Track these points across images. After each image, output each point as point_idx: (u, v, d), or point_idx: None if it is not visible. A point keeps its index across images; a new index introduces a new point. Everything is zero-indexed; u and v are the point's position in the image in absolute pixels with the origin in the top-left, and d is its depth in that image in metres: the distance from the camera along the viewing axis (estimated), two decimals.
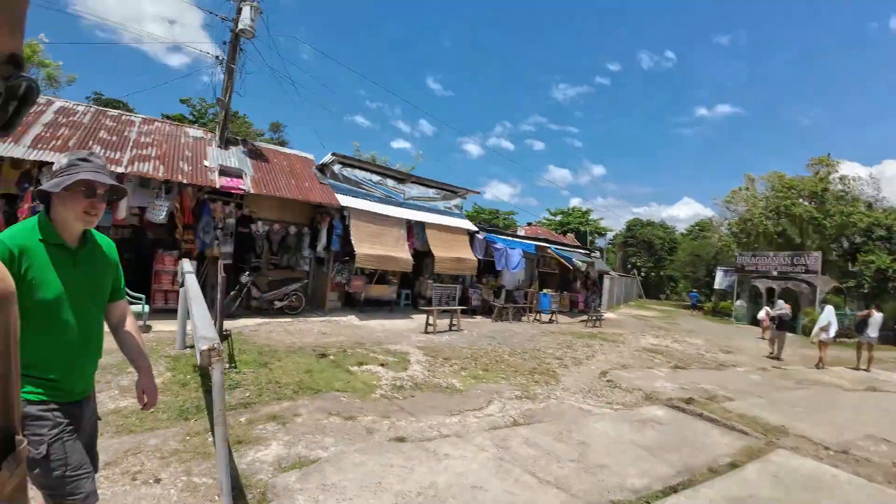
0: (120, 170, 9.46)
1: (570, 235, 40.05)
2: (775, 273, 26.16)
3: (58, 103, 11.05)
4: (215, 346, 2.88)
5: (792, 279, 25.58)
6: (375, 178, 13.83)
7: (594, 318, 16.56)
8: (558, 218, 49.41)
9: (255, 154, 12.84)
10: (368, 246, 11.84)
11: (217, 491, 3.13)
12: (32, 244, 1.74)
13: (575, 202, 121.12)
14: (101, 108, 12.34)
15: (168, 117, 33.11)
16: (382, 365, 7.33)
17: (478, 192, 16.88)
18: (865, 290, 25.32)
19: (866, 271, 24.91)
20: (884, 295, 25.33)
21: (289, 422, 4.66)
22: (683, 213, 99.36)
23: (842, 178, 29.99)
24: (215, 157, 11.70)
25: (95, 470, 1.99)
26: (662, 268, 45.66)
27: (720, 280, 30.06)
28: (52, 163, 8.74)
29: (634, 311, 27.55)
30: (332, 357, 7.60)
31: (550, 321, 15.78)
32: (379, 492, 3.26)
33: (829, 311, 12.65)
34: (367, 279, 13.04)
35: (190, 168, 10.82)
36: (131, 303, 8.46)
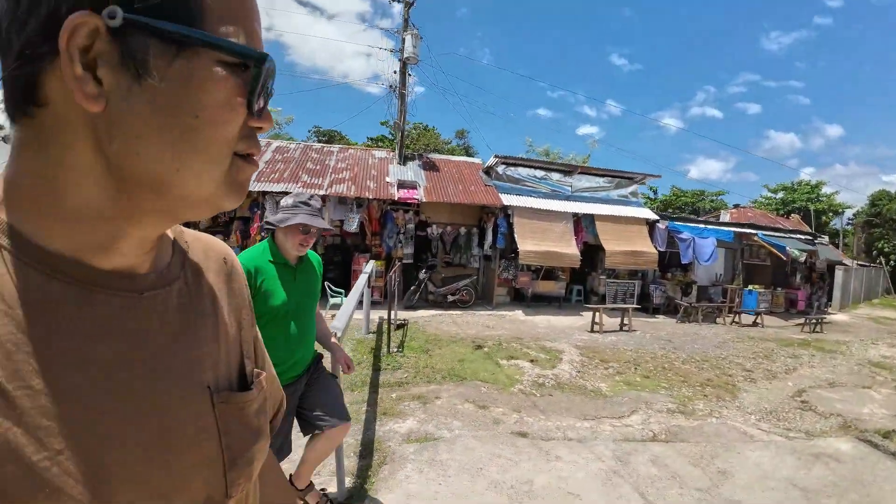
0: (322, 192, 11.68)
1: (795, 217, 33.58)
2: None
3: (275, 144, 14.38)
4: (337, 335, 3.54)
5: None
6: (539, 173, 13.83)
7: (814, 321, 13.73)
8: (779, 195, 41.48)
9: (429, 166, 14.24)
10: (532, 242, 11.98)
11: (356, 449, 3.85)
12: (264, 264, 2.33)
13: (806, 173, 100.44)
14: (308, 143, 15.44)
15: (372, 139, 38.09)
16: (532, 361, 7.44)
17: (657, 176, 15.34)
18: None
19: None
20: None
21: (429, 402, 5.21)
22: None
23: None
24: (395, 172, 13.50)
25: (339, 416, 2.61)
26: None
27: None
28: (273, 192, 11.71)
29: (878, 312, 21.83)
30: (486, 349, 8.01)
31: (755, 324, 13.61)
32: (476, 477, 3.47)
33: None
34: (534, 275, 13.19)
35: (375, 185, 12.73)
36: (334, 295, 10.42)
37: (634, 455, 4.14)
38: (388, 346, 7.68)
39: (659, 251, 13.69)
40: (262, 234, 9.53)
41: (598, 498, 3.41)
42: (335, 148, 14.95)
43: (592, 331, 10.55)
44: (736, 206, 31.61)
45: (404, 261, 12.69)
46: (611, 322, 11.37)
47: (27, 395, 0.39)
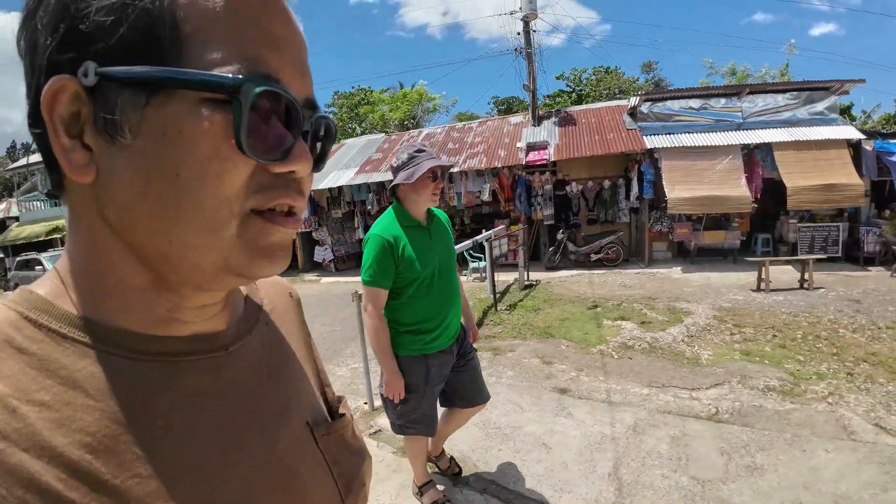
0: (456, 169, 12.44)
1: None
2: None
3: (425, 131, 15.77)
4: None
5: None
6: (696, 103, 11.72)
7: None
8: None
9: (565, 121, 13.45)
10: (684, 188, 10.38)
11: None
12: (399, 232, 2.22)
13: None
14: (451, 125, 16.50)
15: (547, 96, 37.17)
16: (643, 322, 6.75)
17: (860, 81, 11.39)
18: None
19: None
20: None
21: (500, 354, 5.43)
22: None
23: None
24: (527, 136, 13.26)
25: (481, 399, 2.67)
26: None
27: None
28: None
29: None
30: (599, 309, 7.58)
31: None
32: (480, 415, 3.43)
33: None
34: (696, 225, 11.47)
35: (505, 153, 12.83)
36: (474, 258, 10.95)
37: (658, 429, 3.57)
38: (496, 306, 7.86)
39: (872, 181, 10.56)
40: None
41: (569, 457, 3.16)
42: (474, 123, 15.50)
43: (759, 289, 8.86)
44: None
45: (545, 222, 12.45)
46: (789, 278, 9.38)
47: (137, 483, 0.37)
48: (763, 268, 8.81)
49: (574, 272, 11.21)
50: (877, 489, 2.88)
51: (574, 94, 36.82)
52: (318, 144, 0.47)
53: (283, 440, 0.50)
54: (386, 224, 2.26)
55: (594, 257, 11.63)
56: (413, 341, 2.31)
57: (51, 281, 0.43)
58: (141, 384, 0.41)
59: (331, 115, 0.51)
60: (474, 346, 2.72)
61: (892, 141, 10.84)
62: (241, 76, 0.36)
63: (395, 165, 2.28)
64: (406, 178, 2.18)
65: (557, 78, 41.65)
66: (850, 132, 10.97)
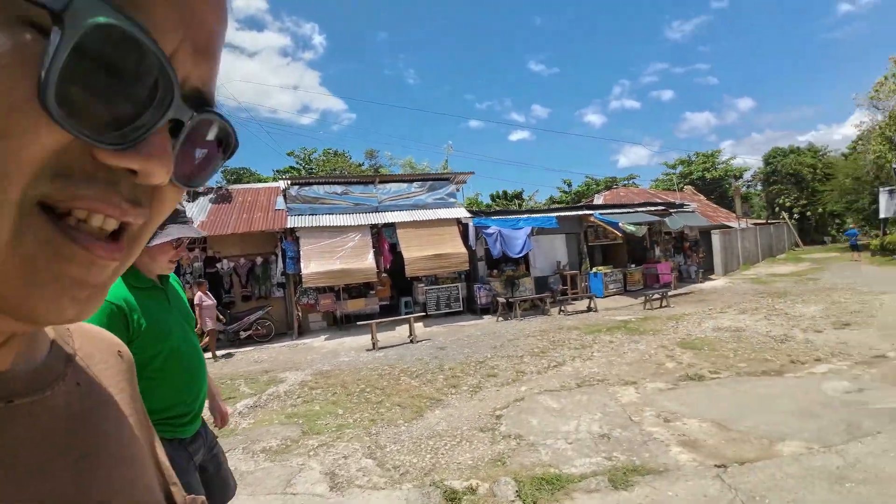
0: None
1: (689, 188, 34.18)
2: None
3: None
4: None
5: None
6: (339, 188, 13.12)
7: (656, 296, 13.39)
8: (678, 169, 42.59)
9: (222, 198, 13.40)
10: (318, 263, 11.19)
11: None
12: (129, 294, 1.76)
13: (725, 146, 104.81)
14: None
15: (279, 171, 37.47)
16: (228, 398, 6.75)
17: (470, 174, 14.67)
18: None
19: None
20: None
21: None
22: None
23: None
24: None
25: (232, 490, 2.12)
26: (819, 204, 35.40)
27: (885, 205, 22.49)
28: None
29: (773, 269, 22.08)
30: None
31: (588, 309, 13.18)
32: None
33: None
34: (344, 294, 12.43)
35: None
36: None
37: None
38: None
39: (472, 249, 13.15)
40: None
41: None
42: None
43: (373, 347, 9.81)
44: (610, 187, 31.85)
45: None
46: (404, 335, 10.70)
47: None
48: (372, 329, 9.83)
49: (220, 353, 10.69)
50: None
51: (302, 171, 38.08)
52: (200, 152, 0.34)
53: None
54: (113, 288, 1.45)
55: (244, 334, 11.37)
56: (166, 429, 1.81)
57: None
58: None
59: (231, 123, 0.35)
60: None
61: (486, 218, 13.75)
62: None
63: None
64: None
65: (288, 154, 42.71)
66: (461, 212, 13.54)
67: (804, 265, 22.90)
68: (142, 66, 0.26)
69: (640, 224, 15.23)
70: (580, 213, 15.85)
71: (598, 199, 25.04)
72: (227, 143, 0.35)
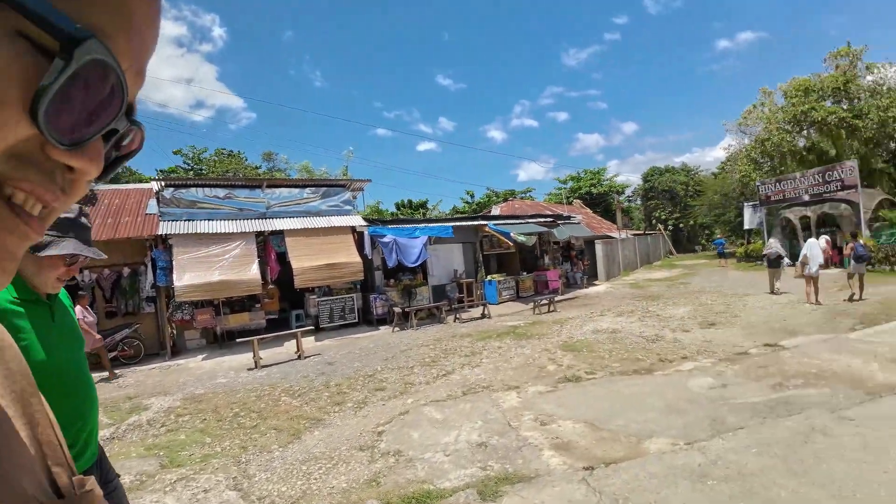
0: None
1: (578, 202, 36.61)
2: (807, 197, 21.78)
3: None
4: None
5: (827, 201, 21.14)
6: (221, 192, 12.19)
7: (544, 302, 14.05)
8: (569, 185, 45.64)
9: (85, 200, 11.73)
10: (195, 275, 10.22)
11: None
12: (6, 306, 1.53)
13: (611, 165, 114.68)
14: None
15: (163, 171, 34.28)
16: None
17: (367, 181, 14.39)
18: None
19: None
20: None
21: None
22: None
23: (868, 67, 24.61)
24: None
25: None
26: (691, 217, 40.35)
27: (749, 218, 25.73)
28: None
29: (650, 274, 24.13)
30: None
31: (483, 316, 13.41)
32: None
33: (809, 243, 11.99)
34: (217, 310, 11.48)
35: None
36: None
37: None
38: None
39: (368, 258, 12.85)
40: None
41: None
42: None
43: (256, 366, 9.12)
44: (506, 199, 33.41)
45: None
46: (291, 350, 10.09)
47: None
48: (254, 345, 9.14)
49: None
50: None
51: (191, 172, 35.26)
52: (115, 153, 0.40)
53: None
54: None
55: (108, 356, 10.05)
56: None
57: None
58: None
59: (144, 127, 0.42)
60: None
61: (382, 227, 13.52)
62: (91, 32, 0.29)
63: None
64: (37, 245, 1.52)
65: (175, 153, 39.19)
66: (356, 220, 13.16)
67: (677, 271, 25.36)
68: (108, 88, 0.32)
69: (529, 234, 15.88)
70: (475, 223, 16.19)
71: (496, 211, 25.90)
72: (135, 147, 0.40)
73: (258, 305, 11.98)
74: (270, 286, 12.45)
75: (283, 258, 11.88)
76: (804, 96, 24.64)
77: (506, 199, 35.70)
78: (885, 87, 24.01)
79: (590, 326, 10.80)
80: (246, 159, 42.37)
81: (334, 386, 7.50)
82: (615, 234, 27.32)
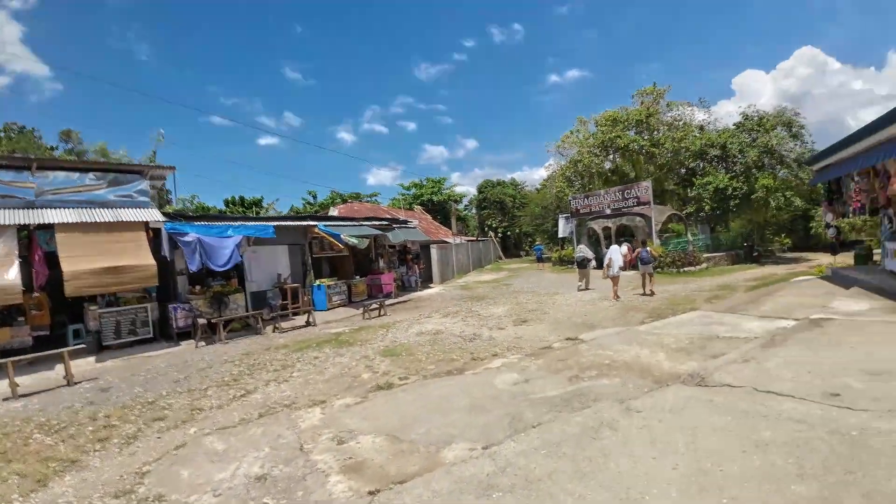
0: None
1: (419, 208, 37.37)
2: (609, 211, 25.01)
3: None
4: None
5: (626, 214, 24.54)
6: None
7: (374, 306, 13.67)
8: (412, 191, 46.66)
9: None
10: None
11: None
12: None
13: (455, 175, 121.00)
14: None
15: None
16: None
17: (171, 168, 12.27)
18: (706, 213, 24.85)
19: (704, 193, 24.29)
20: (726, 214, 25.12)
21: None
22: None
23: (669, 105, 29.53)
24: None
25: None
26: (517, 225, 44.41)
27: (563, 228, 28.79)
28: None
29: (476, 278, 25.36)
30: None
31: (307, 324, 12.49)
32: None
33: (612, 249, 13.82)
34: None
35: None
36: None
37: None
38: None
39: (170, 260, 11.12)
40: None
41: None
42: None
43: (13, 396, 7.12)
44: (345, 201, 32.93)
45: None
46: (60, 375, 8.13)
47: None
48: (8, 370, 7.12)
49: None
50: None
51: None
52: None
53: None
54: None
55: None
56: None
57: None
58: None
59: None
60: None
61: (188, 223, 11.76)
62: None
63: None
64: None
65: None
66: (153, 215, 11.22)
67: (503, 273, 27.20)
68: None
69: (362, 237, 15.41)
70: (304, 223, 15.16)
71: (334, 212, 24.96)
72: None
73: (21, 319, 9.48)
74: (36, 294, 10.06)
75: (54, 259, 9.59)
76: (612, 126, 28.46)
77: (344, 202, 34.79)
78: (681, 122, 28.94)
79: (415, 329, 10.70)
80: (41, 137, 35.25)
81: (102, 417, 6.09)
82: (450, 240, 28.29)
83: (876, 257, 14.99)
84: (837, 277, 12.53)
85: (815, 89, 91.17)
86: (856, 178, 11.80)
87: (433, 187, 45.65)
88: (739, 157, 23.87)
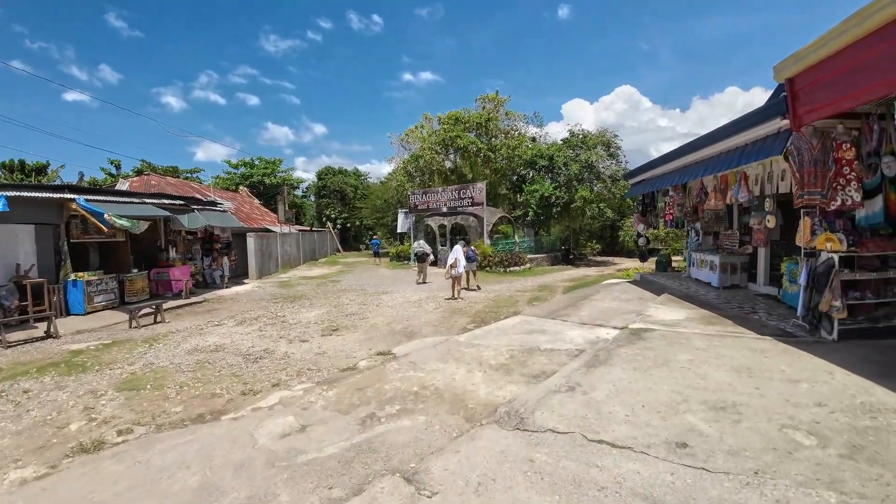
0: None
1: (244, 189, 33.33)
2: (445, 209, 24.67)
3: None
4: None
5: (460, 213, 24.43)
6: None
7: (149, 310, 10.84)
8: (240, 170, 41.74)
9: None
10: None
11: None
12: None
13: (299, 161, 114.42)
14: None
15: None
16: None
17: None
18: (531, 217, 25.93)
19: (531, 199, 25.33)
20: (549, 220, 26.62)
21: None
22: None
23: (507, 114, 30.49)
24: None
25: None
26: (358, 217, 42.59)
27: (402, 223, 27.86)
28: None
29: (304, 273, 22.99)
30: None
31: (47, 335, 9.26)
32: None
33: (455, 249, 13.48)
34: None
35: None
36: None
37: None
38: None
39: None
40: None
41: None
42: None
43: None
44: (140, 172, 27.99)
45: None
46: None
47: None
48: None
49: None
50: None
51: None
52: None
53: None
54: None
55: None
56: None
57: None
58: None
59: None
60: None
61: None
62: None
63: None
64: None
65: None
66: None
67: (337, 268, 25.28)
68: None
69: (139, 218, 12.21)
70: (56, 195, 11.48)
71: (124, 186, 20.38)
72: None
73: None
74: None
75: None
76: (454, 124, 28.31)
77: (141, 173, 29.07)
78: (516, 132, 30.08)
79: (190, 344, 8.41)
80: None
81: None
82: (276, 228, 25.39)
83: (675, 264, 16.63)
84: (645, 282, 13.34)
85: (627, 122, 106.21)
86: (670, 193, 12.63)
87: (266, 168, 41.36)
88: (564, 169, 25.45)
